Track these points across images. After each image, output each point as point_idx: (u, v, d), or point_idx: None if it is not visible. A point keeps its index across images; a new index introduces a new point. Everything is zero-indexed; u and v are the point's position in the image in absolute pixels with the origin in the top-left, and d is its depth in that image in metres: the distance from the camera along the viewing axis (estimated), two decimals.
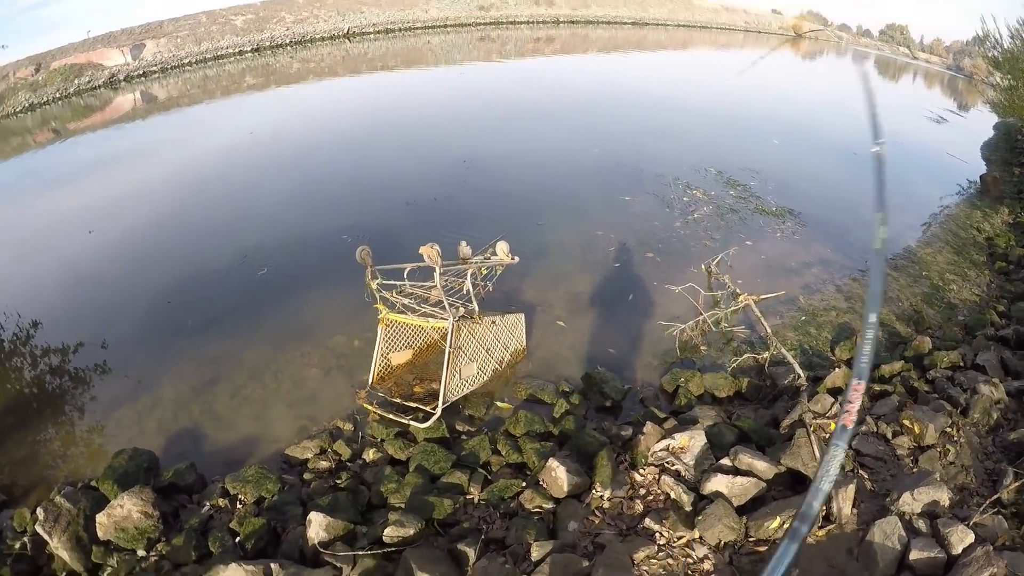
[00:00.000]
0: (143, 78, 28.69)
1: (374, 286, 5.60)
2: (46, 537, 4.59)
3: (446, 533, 4.41)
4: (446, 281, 5.78)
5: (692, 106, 17.59)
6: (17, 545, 4.80)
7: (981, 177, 12.50)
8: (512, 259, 6.12)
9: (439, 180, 11.37)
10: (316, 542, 4.25)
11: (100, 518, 4.70)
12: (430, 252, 5.16)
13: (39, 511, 4.71)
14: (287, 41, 34.89)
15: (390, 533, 4.19)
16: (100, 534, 4.67)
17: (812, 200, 10.90)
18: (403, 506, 4.61)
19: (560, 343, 6.96)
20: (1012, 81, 15.71)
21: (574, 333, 7.11)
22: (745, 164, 12.34)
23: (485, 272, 6.05)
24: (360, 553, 4.08)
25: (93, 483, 5.13)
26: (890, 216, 8.78)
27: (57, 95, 27.27)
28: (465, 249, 5.82)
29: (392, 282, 5.67)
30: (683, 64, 26.52)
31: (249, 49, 33.35)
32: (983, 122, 17.54)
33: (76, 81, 28.61)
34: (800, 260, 8.91)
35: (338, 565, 4.04)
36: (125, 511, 4.69)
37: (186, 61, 31.35)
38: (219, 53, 32.44)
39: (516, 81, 22.11)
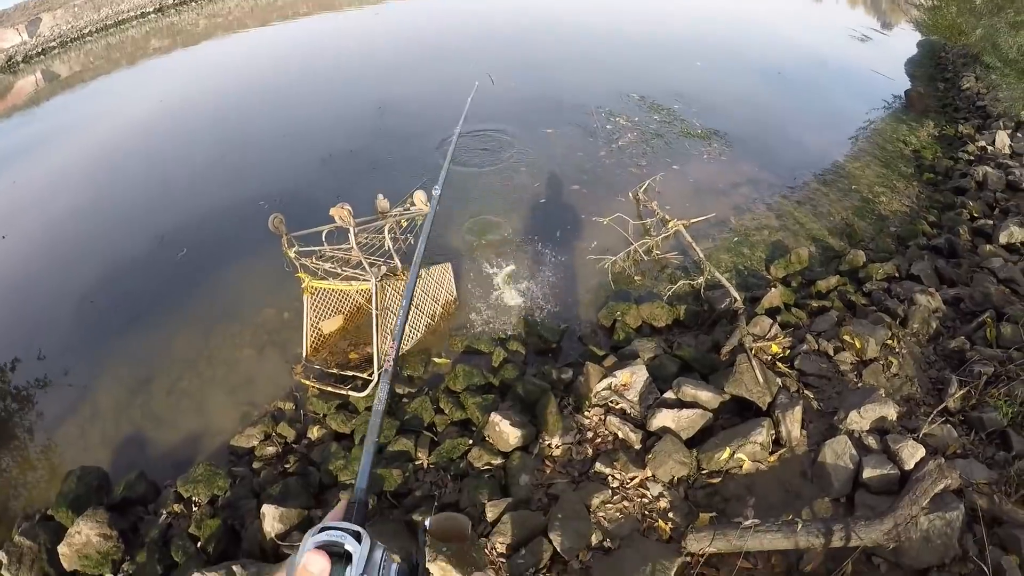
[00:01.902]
0: (42, 56, 26.72)
1: (291, 254, 5.35)
2: None
3: (400, 504, 4.38)
4: (366, 239, 5.54)
5: (611, 32, 17.01)
6: None
7: (906, 92, 12.53)
8: (428, 207, 5.84)
9: (355, 130, 10.96)
10: (273, 535, 4.18)
11: (62, 549, 4.56)
12: (341, 213, 4.94)
13: (1, 554, 4.57)
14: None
15: None
16: (66, 565, 4.55)
17: (738, 121, 10.75)
18: (354, 482, 4.49)
19: (492, 288, 6.83)
20: (936, 1, 15.86)
21: (505, 276, 6.99)
22: (669, 88, 12.08)
23: (405, 224, 5.73)
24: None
25: (49, 512, 4.95)
26: (817, 131, 8.67)
27: None
28: (383, 202, 5.48)
29: (310, 248, 5.42)
30: None
31: (152, 9, 31.09)
32: (907, 40, 17.56)
33: None
34: (729, 181, 8.86)
35: None
36: (84, 537, 4.56)
37: (86, 31, 29.18)
38: (120, 18, 30.21)
39: (431, 19, 21.10)
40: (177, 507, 4.76)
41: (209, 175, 10.15)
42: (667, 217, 7.42)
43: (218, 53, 20.80)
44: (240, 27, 24.73)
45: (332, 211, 4.93)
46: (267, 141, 11.28)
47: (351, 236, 5.01)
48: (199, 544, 4.40)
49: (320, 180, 9.20)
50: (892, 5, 23.91)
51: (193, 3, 31.69)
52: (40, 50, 27.68)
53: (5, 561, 4.51)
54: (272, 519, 4.20)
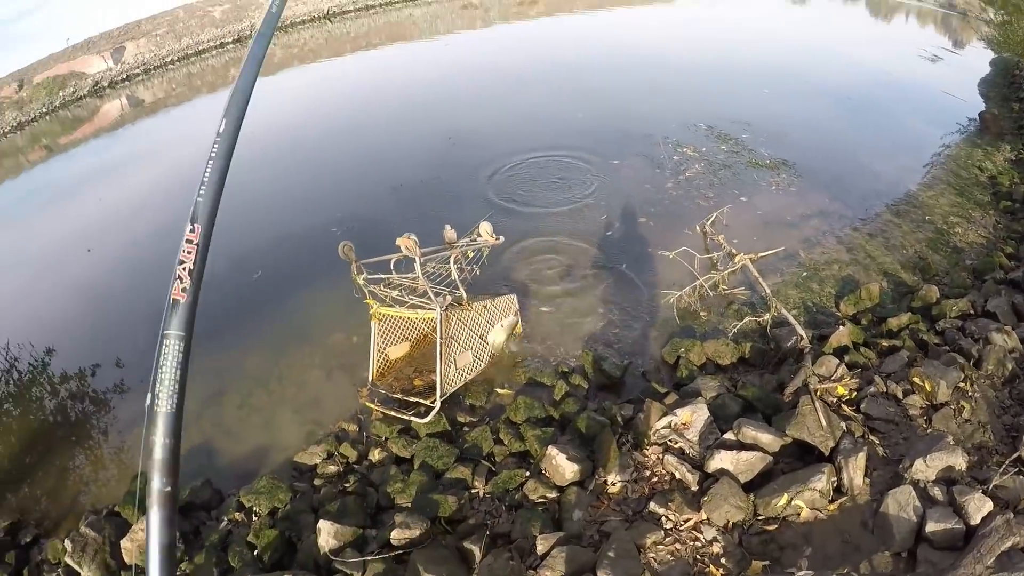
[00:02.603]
0: (127, 82, 28.53)
1: (360, 281, 5.58)
2: (76, 567, 4.81)
3: (453, 530, 4.50)
4: (433, 268, 5.75)
5: (679, 60, 17.16)
6: None
7: (980, 115, 12.18)
8: (497, 239, 6.06)
9: (425, 160, 11.33)
10: (327, 550, 4.34)
11: (124, 544, 4.86)
12: (407, 243, 5.15)
13: (67, 542, 4.93)
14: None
15: (397, 535, 4.29)
16: (126, 559, 4.84)
17: (807, 150, 10.70)
18: (409, 506, 4.69)
19: (557, 321, 6.93)
20: (1006, 16, 15.41)
21: (570, 309, 7.08)
22: (736, 116, 12.10)
23: (471, 255, 5.94)
24: (369, 558, 4.14)
25: (116, 508, 5.32)
26: (888, 158, 8.45)
27: (44, 110, 27.13)
28: (450, 233, 5.74)
29: (379, 276, 5.65)
30: (669, 18, 25.92)
31: (230, 40, 32.95)
32: (979, 59, 17.05)
33: (61, 93, 28.45)
34: (798, 213, 8.79)
35: (349, 572, 4.10)
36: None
37: (168, 60, 31.06)
38: (200, 48, 32.10)
39: (500, 48, 21.75)
40: (238, 515, 5.01)
41: (284, 201, 10.68)
42: (734, 251, 7.39)
43: (292, 83, 21.82)
44: (315, 58, 25.95)
45: (399, 241, 5.15)
46: (340, 169, 11.81)
47: (417, 266, 5.22)
48: (256, 552, 4.61)
49: (390, 209, 9.55)
50: (962, 22, 23.25)
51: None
52: (125, 76, 29.59)
53: (70, 549, 4.84)
54: (327, 534, 4.37)
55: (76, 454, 6.37)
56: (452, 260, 5.62)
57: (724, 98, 13.50)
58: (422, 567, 3.91)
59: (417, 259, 5.19)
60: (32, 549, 5.45)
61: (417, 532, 4.31)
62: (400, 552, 4.22)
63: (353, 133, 13.78)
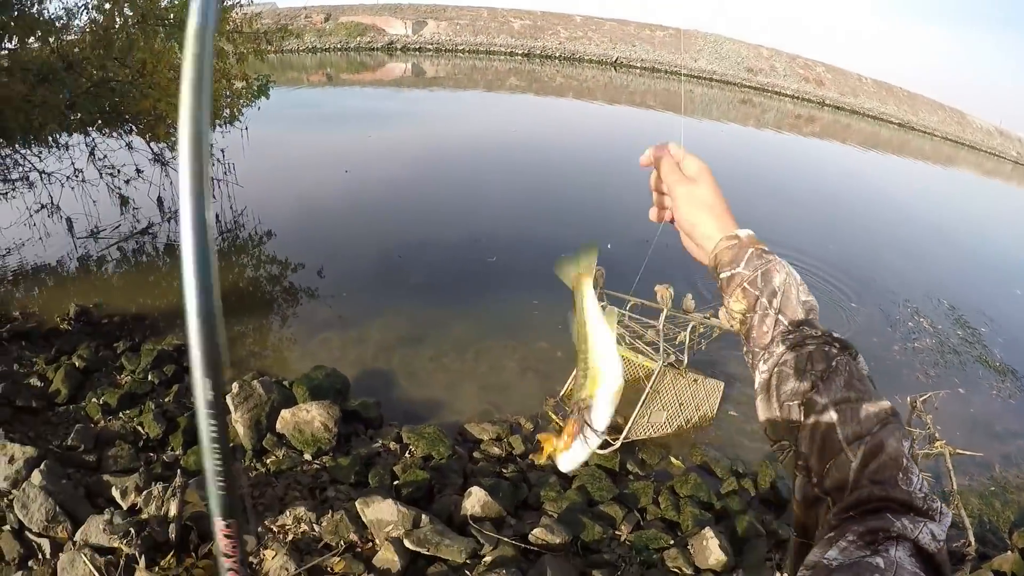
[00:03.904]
0: (417, 52, 31.82)
1: None
2: (231, 407, 5.35)
3: (584, 556, 4.57)
4: (667, 327, 5.92)
5: (940, 228, 16.68)
6: None
7: None
8: (732, 327, 6.11)
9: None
10: (469, 514, 4.54)
11: (284, 414, 5.41)
12: (664, 293, 5.35)
13: (234, 385, 5.53)
14: (557, 55, 37.14)
15: (538, 534, 4.42)
16: (278, 427, 5.39)
17: None
18: (556, 516, 4.80)
19: (748, 426, 6.85)
20: None
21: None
22: (983, 307, 11.56)
23: (702, 331, 6.09)
24: (504, 539, 4.28)
25: (285, 383, 5.92)
26: None
27: (338, 46, 31.04)
28: (689, 302, 5.91)
29: (617, 308, 5.89)
30: (941, 181, 24.86)
31: (520, 53, 35.82)
32: None
33: (358, 39, 32.38)
34: (1008, 427, 8.20)
35: (481, 541, 4.27)
36: (309, 416, 5.34)
37: (460, 47, 34.33)
38: (492, 48, 35.16)
39: (765, 154, 21.92)
40: (394, 445, 5.41)
41: (535, 207, 11.49)
42: (936, 436, 7.01)
43: (568, 108, 23.26)
44: (589, 95, 27.55)
45: (658, 287, 5.41)
46: (599, 198, 12.44)
47: (661, 317, 5.44)
48: (396, 482, 4.95)
49: (636, 254, 9.87)
50: None
51: (556, 61, 35.94)
52: (417, 47, 33.13)
53: (234, 391, 5.41)
54: (476, 500, 4.60)
55: (263, 323, 7.28)
56: (690, 328, 5.79)
57: (976, 283, 13.07)
58: (550, 571, 4.03)
59: (664, 312, 5.41)
60: (189, 375, 6.21)
61: (557, 540, 4.43)
62: (532, 549, 4.36)
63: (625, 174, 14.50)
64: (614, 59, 37.96)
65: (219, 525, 0.84)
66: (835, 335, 0.97)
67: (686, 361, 5.86)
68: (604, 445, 5.64)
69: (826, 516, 0.81)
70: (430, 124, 17.64)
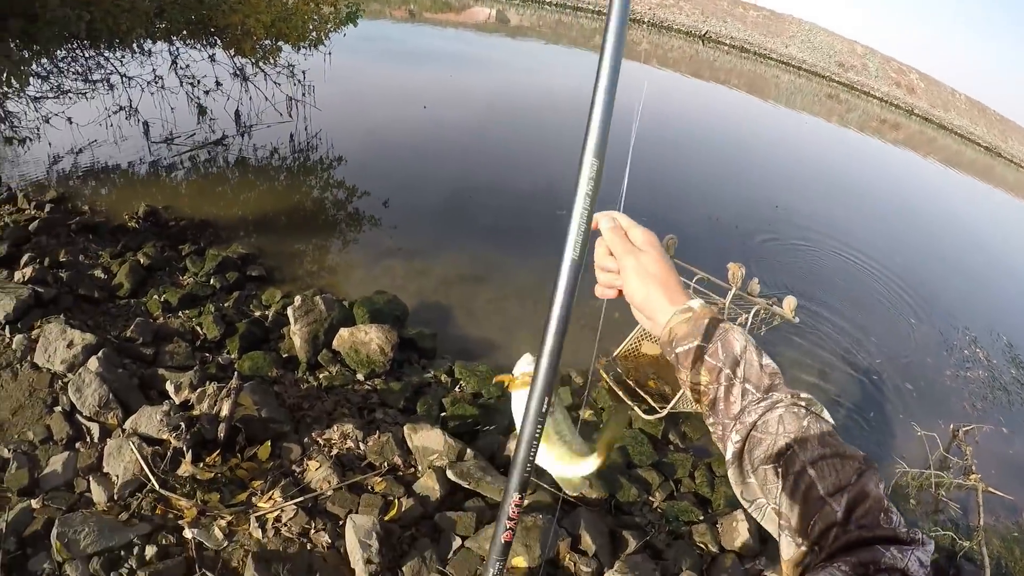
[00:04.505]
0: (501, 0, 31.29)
1: None
2: (291, 320, 5.50)
3: (615, 515, 4.64)
4: (730, 305, 5.87)
5: (1014, 263, 16.20)
6: (258, 313, 5.91)
7: None
8: (794, 319, 6.05)
9: (754, 218, 11.45)
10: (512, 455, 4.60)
11: (342, 332, 5.53)
12: (736, 272, 5.29)
13: (297, 298, 5.66)
14: (645, 20, 36.22)
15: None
16: (335, 344, 5.51)
17: None
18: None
19: None
20: None
21: None
22: None
23: (764, 315, 6.02)
24: (544, 485, 4.36)
25: (345, 303, 6.04)
26: None
27: None
28: (755, 286, 5.83)
29: (684, 280, 5.85)
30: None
31: (594, 9, 35.05)
32: None
33: None
34: None
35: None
36: (367, 338, 5.45)
37: (546, 0, 33.71)
38: (579, 5, 34.45)
39: (846, 154, 21.32)
40: (445, 378, 5.51)
41: (609, 161, 11.42)
42: (973, 469, 6.92)
43: (647, 74, 22.87)
44: (673, 66, 26.96)
45: (731, 265, 5.32)
46: (672, 164, 12.41)
47: (729, 295, 5.38)
48: (443, 414, 5.06)
49: (713, 230, 9.96)
50: None
51: (643, 26, 35.18)
52: None
53: (296, 303, 5.54)
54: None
55: (328, 243, 7.49)
56: (753, 312, 5.73)
57: None
58: (585, 523, 4.09)
59: (733, 289, 5.36)
60: (251, 284, 6.47)
61: (594, 495, 4.50)
62: (569, 500, 4.43)
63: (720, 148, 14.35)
64: (703, 32, 37.00)
65: (515, 498, 1.14)
66: (801, 395, 1.01)
67: None
68: (650, 411, 5.67)
69: (815, 561, 0.85)
70: (510, 72, 17.70)
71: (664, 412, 5.57)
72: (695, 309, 1.10)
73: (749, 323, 5.66)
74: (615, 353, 6.22)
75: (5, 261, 5.64)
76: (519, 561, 3.64)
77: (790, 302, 5.87)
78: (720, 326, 1.07)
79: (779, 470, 0.94)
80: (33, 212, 6.95)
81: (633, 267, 1.15)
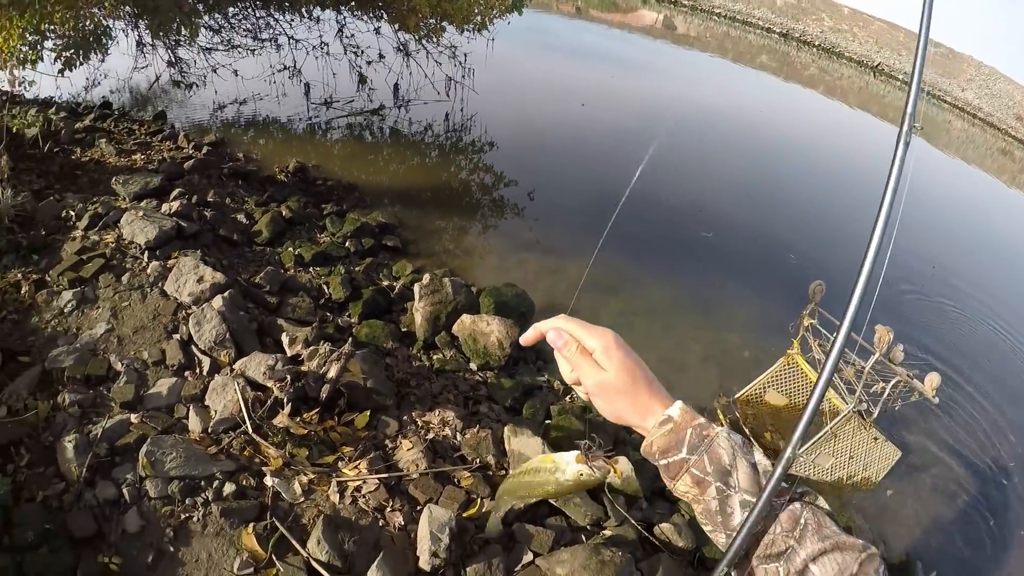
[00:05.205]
0: (672, 5, 30.74)
1: (806, 323, 5.43)
2: (416, 296, 5.54)
3: (699, 571, 4.42)
4: (869, 371, 5.42)
5: None
6: (386, 283, 6.03)
7: None
8: (935, 399, 5.49)
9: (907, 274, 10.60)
10: (608, 481, 4.45)
11: (464, 318, 5.49)
12: (885, 336, 4.89)
13: (426, 276, 5.71)
14: (816, 43, 34.56)
15: (664, 529, 4.31)
16: (455, 328, 5.49)
17: None
18: (687, 517, 4.62)
19: (903, 509, 6.20)
20: None
21: (918, 504, 6.26)
22: None
23: (903, 388, 5.50)
24: (632, 520, 4.16)
25: (473, 289, 6.04)
26: None
27: None
28: (899, 353, 5.33)
29: (823, 331, 5.45)
30: None
31: (777, 31, 33.73)
32: None
33: None
34: None
35: (609, 513, 4.19)
36: (488, 329, 5.40)
37: (716, 10, 32.80)
38: (748, 20, 33.32)
39: (1016, 219, 19.46)
40: (557, 385, 5.38)
41: (765, 188, 11.13)
42: None
43: (812, 102, 21.79)
44: (841, 97, 25.50)
45: (879, 328, 4.93)
46: (826, 200, 11.82)
47: (871, 360, 4.96)
48: (548, 421, 4.92)
49: (850, 274, 9.17)
50: None
51: (814, 49, 33.53)
52: (673, 1, 32.06)
53: (425, 281, 5.59)
54: (621, 471, 4.52)
55: (468, 227, 7.59)
56: (893, 382, 5.26)
57: None
58: (663, 572, 3.89)
59: (876, 355, 4.94)
60: (385, 253, 6.60)
61: (681, 543, 4.19)
62: (653, 542, 4.21)
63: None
64: (876, 63, 34.74)
65: None
66: (797, 490, 1.02)
67: (875, 414, 5.33)
68: None
69: None
70: (672, 80, 17.24)
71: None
72: (675, 419, 1.04)
73: (887, 394, 5.21)
74: (736, 396, 5.90)
75: (157, 192, 5.97)
76: None
77: (932, 380, 5.34)
78: (703, 435, 1.03)
79: (780, 569, 0.95)
80: (191, 151, 7.44)
81: (594, 390, 1.08)
